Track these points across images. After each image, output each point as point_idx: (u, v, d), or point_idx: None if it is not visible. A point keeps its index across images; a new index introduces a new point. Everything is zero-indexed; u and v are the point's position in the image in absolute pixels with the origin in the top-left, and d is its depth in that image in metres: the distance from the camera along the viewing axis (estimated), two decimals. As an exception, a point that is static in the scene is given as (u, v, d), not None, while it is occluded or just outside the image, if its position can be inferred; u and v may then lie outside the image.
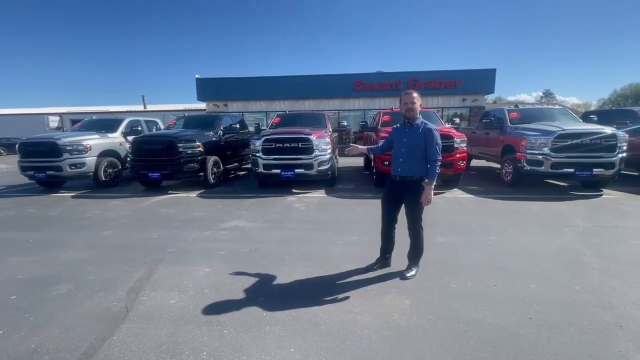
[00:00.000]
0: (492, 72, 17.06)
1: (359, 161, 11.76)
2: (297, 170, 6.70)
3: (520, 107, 8.68)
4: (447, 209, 5.47)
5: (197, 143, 7.12)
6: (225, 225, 4.73)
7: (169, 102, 43.17)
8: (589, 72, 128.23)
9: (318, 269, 3.18)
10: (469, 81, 16.95)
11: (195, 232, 4.40)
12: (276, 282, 2.97)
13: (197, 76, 18.47)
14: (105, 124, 8.84)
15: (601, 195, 6.34)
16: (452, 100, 17.57)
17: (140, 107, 29.31)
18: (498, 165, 8.00)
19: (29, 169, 7.33)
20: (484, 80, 17.07)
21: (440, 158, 2.84)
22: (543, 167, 6.30)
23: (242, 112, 17.97)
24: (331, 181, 7.37)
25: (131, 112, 25.25)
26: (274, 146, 6.79)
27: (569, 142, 6.17)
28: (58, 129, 10.79)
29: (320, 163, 6.75)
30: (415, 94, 2.87)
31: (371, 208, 5.32)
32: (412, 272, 2.98)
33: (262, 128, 9.13)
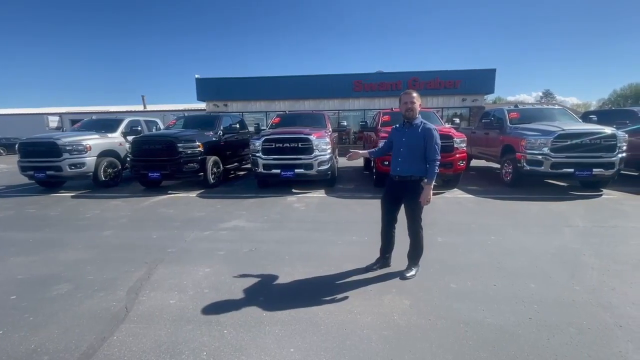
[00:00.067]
0: (492, 72, 17.05)
1: (359, 161, 11.77)
2: (297, 170, 6.70)
3: (520, 107, 8.68)
4: (447, 209, 5.47)
5: (197, 143, 7.12)
6: (225, 225, 4.73)
7: (168, 102, 43.20)
8: (589, 72, 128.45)
9: (318, 269, 3.18)
10: (469, 81, 16.94)
11: (195, 232, 4.40)
12: (276, 282, 2.97)
13: (197, 76, 18.45)
14: (105, 124, 8.84)
15: (601, 195, 6.35)
16: (452, 100, 17.56)
17: (140, 107, 29.29)
18: (498, 165, 8.00)
19: (28, 169, 7.33)
20: (483, 80, 17.06)
21: (440, 158, 2.85)
22: (543, 167, 6.30)
23: (242, 112, 17.95)
24: (331, 181, 7.37)
25: (131, 112, 25.23)
26: (273, 146, 6.79)
27: (568, 142, 6.17)
28: (58, 129, 10.77)
29: (320, 163, 6.75)
30: (414, 94, 2.87)
31: (371, 208, 5.32)
32: (412, 272, 2.98)
33: (262, 128, 9.13)
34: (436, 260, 3.29)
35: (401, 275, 2.97)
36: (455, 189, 7.01)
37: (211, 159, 7.43)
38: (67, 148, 7.13)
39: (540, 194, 6.48)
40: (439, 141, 2.83)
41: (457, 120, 9.09)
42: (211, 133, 7.95)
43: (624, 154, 6.23)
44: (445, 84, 17.04)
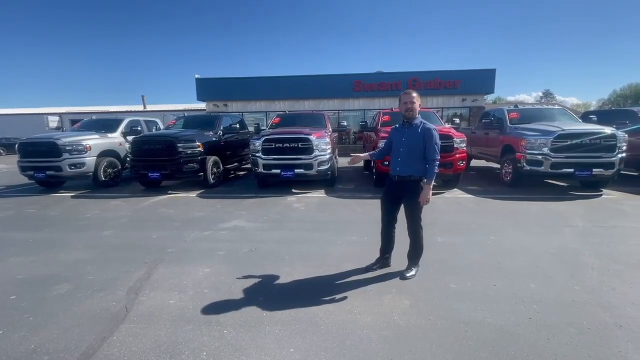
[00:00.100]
0: (492, 72, 17.05)
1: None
2: (296, 170, 6.70)
3: (520, 107, 8.68)
4: (447, 209, 5.47)
5: (197, 143, 7.12)
6: (225, 225, 4.73)
7: (168, 102, 43.21)
8: (589, 72, 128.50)
9: (318, 269, 3.18)
10: (469, 81, 16.93)
11: (195, 232, 4.40)
12: (276, 282, 2.97)
13: (197, 76, 18.44)
14: (105, 124, 8.84)
15: (601, 195, 6.35)
16: (452, 101, 17.56)
17: (140, 107, 29.29)
18: (498, 165, 8.00)
19: (28, 169, 7.32)
20: (483, 80, 17.06)
21: (439, 158, 2.85)
22: (543, 167, 6.31)
23: (242, 112, 17.94)
24: (331, 181, 7.37)
25: (131, 112, 25.23)
26: (273, 146, 6.79)
27: (568, 142, 6.17)
28: (58, 129, 10.78)
29: (320, 163, 6.75)
30: (414, 94, 2.88)
31: (371, 208, 5.32)
32: (412, 272, 2.98)
33: (262, 128, 9.13)
34: (436, 260, 3.29)
35: (401, 275, 2.97)
36: (455, 189, 7.01)
37: (211, 159, 7.43)
38: (67, 148, 7.13)
39: (540, 194, 6.49)
40: (438, 141, 2.83)
41: (457, 120, 9.09)
42: (211, 133, 7.95)
43: (623, 154, 6.23)
44: (445, 84, 17.04)
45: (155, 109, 26.81)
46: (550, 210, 5.29)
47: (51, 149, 7.13)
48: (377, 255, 3.23)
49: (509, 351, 2.00)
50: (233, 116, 9.89)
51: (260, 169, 6.88)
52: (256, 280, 2.99)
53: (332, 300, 2.62)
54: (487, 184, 7.68)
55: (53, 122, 10.88)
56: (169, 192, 7.25)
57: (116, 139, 8.32)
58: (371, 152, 3.38)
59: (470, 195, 6.46)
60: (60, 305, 2.60)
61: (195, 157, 7.07)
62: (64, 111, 26.35)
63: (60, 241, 4.15)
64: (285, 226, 4.67)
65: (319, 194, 6.75)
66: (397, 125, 3.09)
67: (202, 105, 21.13)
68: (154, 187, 7.62)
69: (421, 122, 2.90)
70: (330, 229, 4.49)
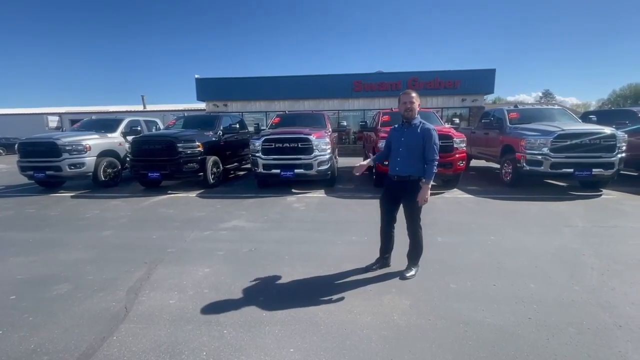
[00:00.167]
0: (492, 72, 17.05)
1: (359, 161, 11.73)
2: (296, 171, 6.70)
3: (520, 107, 8.69)
4: (447, 209, 5.47)
5: (197, 143, 7.12)
6: (224, 225, 4.73)
7: (168, 102, 43.16)
8: (589, 73, 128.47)
9: (318, 269, 3.18)
10: (469, 81, 16.93)
11: (194, 232, 4.40)
12: (276, 282, 2.97)
13: (196, 76, 18.44)
14: (105, 124, 8.84)
15: (600, 195, 6.35)
16: (452, 101, 17.56)
17: (140, 107, 29.27)
18: (497, 166, 8.01)
19: (28, 169, 7.32)
20: (483, 80, 17.06)
21: (438, 158, 2.85)
22: (542, 167, 6.31)
23: (242, 112, 17.93)
24: (331, 181, 7.37)
25: (131, 112, 25.21)
26: (273, 146, 6.79)
27: (568, 142, 6.18)
28: (57, 128, 10.78)
29: (320, 163, 6.75)
30: (413, 94, 2.88)
31: (371, 208, 5.32)
32: (412, 272, 2.98)
33: (262, 128, 9.13)
34: (436, 260, 3.29)
35: (401, 275, 2.97)
36: (455, 189, 7.02)
37: (211, 159, 7.43)
38: (67, 148, 7.12)
39: (540, 194, 6.49)
40: (437, 141, 2.84)
41: (457, 121, 9.09)
42: (211, 133, 7.95)
43: (623, 154, 6.23)
44: (445, 84, 17.04)
45: (155, 109, 26.79)
46: (550, 210, 5.29)
47: (51, 149, 7.13)
48: (377, 255, 3.23)
49: (508, 351, 2.00)
50: (233, 116, 9.89)
51: (260, 169, 6.88)
52: (256, 280, 2.99)
53: (332, 300, 2.62)
54: (487, 184, 7.69)
55: (53, 122, 10.87)
56: (169, 192, 7.25)
57: (116, 139, 8.31)
58: (372, 157, 3.39)
59: (470, 195, 6.46)
60: (60, 305, 2.60)
61: (195, 157, 7.07)
62: (63, 111, 26.34)
63: (60, 241, 4.15)
64: (285, 226, 4.67)
65: (319, 194, 6.75)
66: (396, 126, 3.10)
67: (202, 105, 21.12)
68: (153, 187, 7.62)
69: (420, 122, 2.90)
70: (330, 229, 4.49)
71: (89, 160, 7.38)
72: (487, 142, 8.51)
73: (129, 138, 7.82)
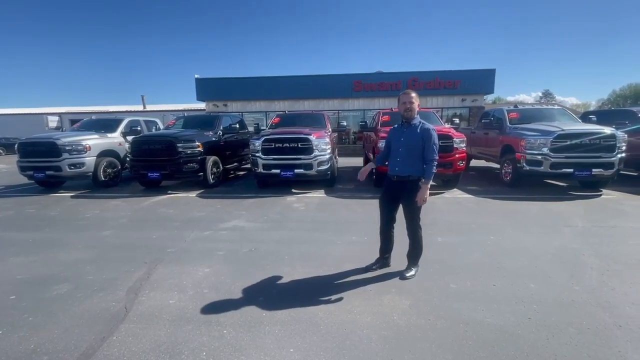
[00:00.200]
0: (492, 72, 17.05)
1: (359, 161, 11.77)
2: (296, 171, 6.70)
3: (520, 107, 8.69)
4: (447, 209, 5.47)
5: (197, 143, 7.12)
6: (224, 225, 4.73)
7: (168, 102, 43.14)
8: (588, 72, 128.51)
9: (317, 269, 3.19)
10: (469, 81, 16.94)
11: (194, 232, 4.40)
12: (276, 282, 2.97)
13: (196, 76, 18.44)
14: (105, 124, 8.84)
15: (600, 195, 6.35)
16: (452, 101, 17.56)
17: (140, 107, 29.26)
18: (497, 166, 8.01)
19: (28, 169, 7.32)
20: (483, 80, 17.06)
21: (437, 158, 2.85)
22: (542, 167, 6.31)
23: (242, 112, 17.94)
24: (331, 181, 7.37)
25: (130, 112, 25.21)
26: (273, 146, 6.79)
27: (568, 142, 6.18)
28: (57, 128, 10.78)
29: (320, 163, 6.75)
30: (413, 94, 2.88)
31: (371, 208, 5.32)
32: (412, 272, 2.98)
33: (262, 128, 9.13)
34: (436, 260, 3.30)
35: (401, 275, 2.97)
36: (455, 189, 7.02)
37: (211, 159, 7.43)
38: (67, 148, 7.12)
39: (540, 194, 6.49)
40: (437, 141, 2.84)
41: (457, 121, 9.09)
42: (211, 133, 7.95)
43: (623, 154, 6.24)
44: (445, 84, 17.04)
45: (155, 109, 26.78)
46: (550, 210, 5.29)
47: (51, 149, 7.13)
48: (377, 255, 3.23)
49: (508, 351, 2.00)
50: (233, 116, 9.89)
51: (260, 169, 6.88)
52: (256, 280, 2.99)
53: (332, 300, 2.62)
54: (487, 184, 7.69)
55: (53, 122, 10.88)
56: (169, 192, 7.25)
57: (116, 139, 8.31)
58: (373, 160, 3.41)
59: (470, 195, 6.46)
60: (60, 305, 2.60)
61: (195, 157, 7.07)
62: (63, 111, 26.32)
63: (60, 241, 4.14)
64: (285, 226, 4.67)
65: (318, 194, 6.75)
66: (395, 126, 3.10)
67: (201, 105, 21.11)
68: (153, 187, 7.62)
69: (420, 122, 2.90)
70: (330, 229, 4.49)
71: (89, 160, 7.38)
72: (487, 142, 8.51)
73: (129, 138, 7.82)
